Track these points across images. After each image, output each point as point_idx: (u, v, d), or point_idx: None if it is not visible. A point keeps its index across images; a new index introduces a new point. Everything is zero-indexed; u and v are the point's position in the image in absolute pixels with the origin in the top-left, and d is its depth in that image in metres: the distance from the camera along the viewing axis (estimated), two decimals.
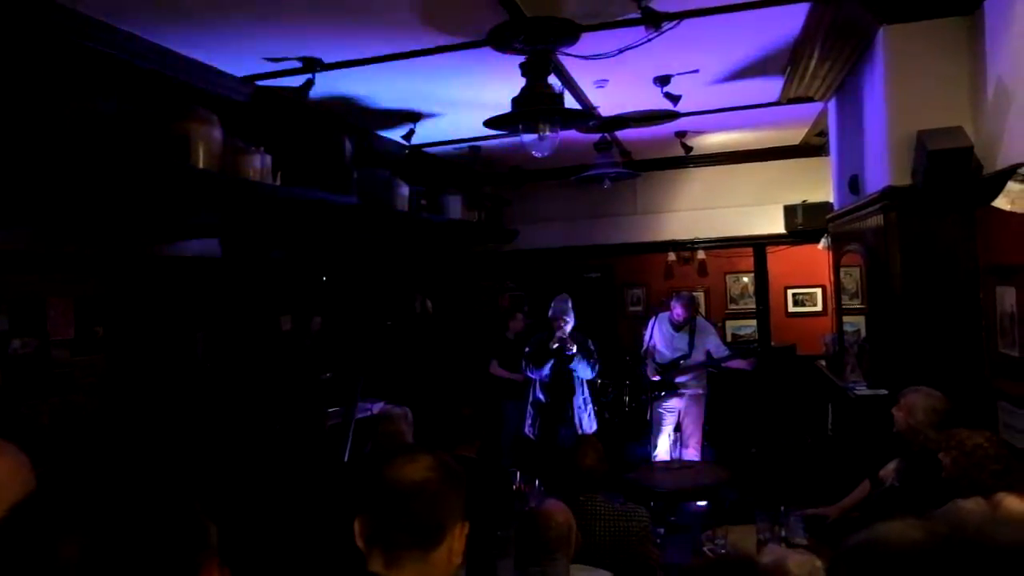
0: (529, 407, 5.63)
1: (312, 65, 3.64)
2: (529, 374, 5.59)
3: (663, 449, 5.95)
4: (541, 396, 5.53)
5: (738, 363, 6.02)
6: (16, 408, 3.17)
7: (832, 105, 4.95)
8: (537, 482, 3.55)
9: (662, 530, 4.86)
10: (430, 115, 4.83)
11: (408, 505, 1.34)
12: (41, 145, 2.58)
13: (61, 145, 2.65)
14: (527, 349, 5.61)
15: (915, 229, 3.41)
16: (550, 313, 5.52)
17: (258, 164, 3.62)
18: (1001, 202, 2.74)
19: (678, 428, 5.97)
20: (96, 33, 2.94)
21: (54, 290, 3.40)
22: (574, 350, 5.37)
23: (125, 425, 3.53)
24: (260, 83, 3.86)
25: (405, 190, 5.15)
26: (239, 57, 3.54)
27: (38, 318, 3.32)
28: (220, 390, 4.02)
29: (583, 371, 5.43)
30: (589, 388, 5.67)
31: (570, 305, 5.50)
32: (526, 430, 5.60)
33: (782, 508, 3.33)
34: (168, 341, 3.84)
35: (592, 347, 5.52)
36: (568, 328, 5.41)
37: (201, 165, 3.22)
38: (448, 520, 1.37)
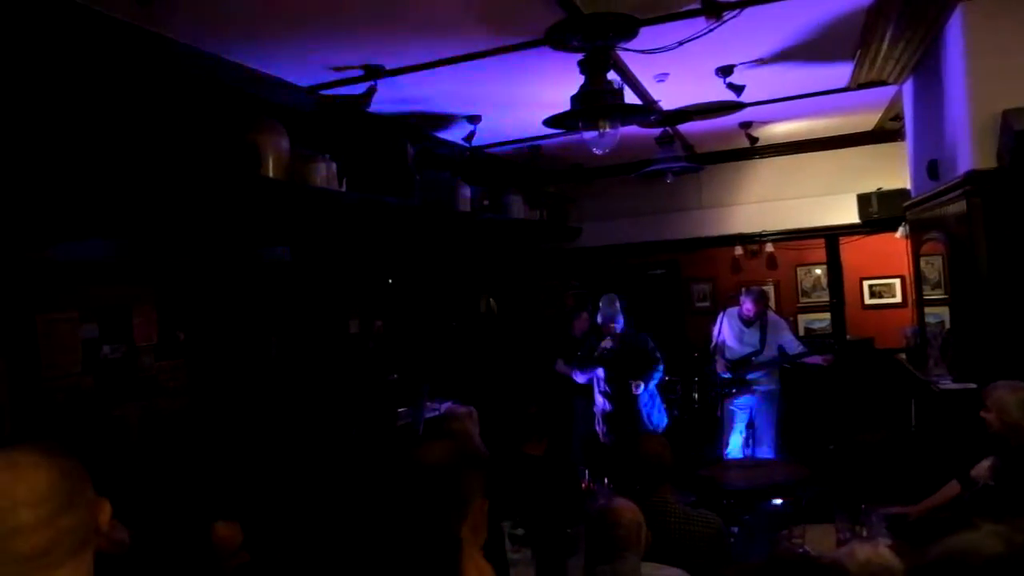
0: (595, 408, 5.60)
1: (374, 72, 3.71)
2: (575, 377, 5.58)
3: (735, 447, 5.82)
4: (602, 398, 5.49)
5: (814, 359, 5.83)
6: (108, 411, 3.36)
7: (907, 88, 4.74)
8: (606, 480, 3.53)
9: (736, 529, 4.77)
10: (490, 116, 4.86)
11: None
12: (123, 161, 2.72)
13: (141, 160, 2.79)
14: (579, 353, 5.60)
15: (1002, 214, 3.24)
16: (599, 319, 5.48)
17: (324, 171, 3.72)
18: None
19: (751, 425, 5.83)
20: (171, 52, 3.08)
21: (138, 298, 3.58)
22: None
23: (206, 427, 3.68)
24: (324, 92, 3.97)
25: (467, 191, 5.20)
26: (303, 67, 3.64)
27: (124, 325, 3.50)
28: (293, 392, 4.15)
29: (644, 383, 5.38)
30: (656, 385, 5.60)
31: (619, 307, 5.44)
32: (597, 428, 5.58)
33: (863, 506, 3.21)
34: (244, 345, 3.99)
35: (653, 349, 5.45)
36: (618, 328, 5.36)
37: (271, 174, 3.34)
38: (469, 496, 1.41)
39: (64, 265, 3.27)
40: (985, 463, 3.13)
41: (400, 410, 4.80)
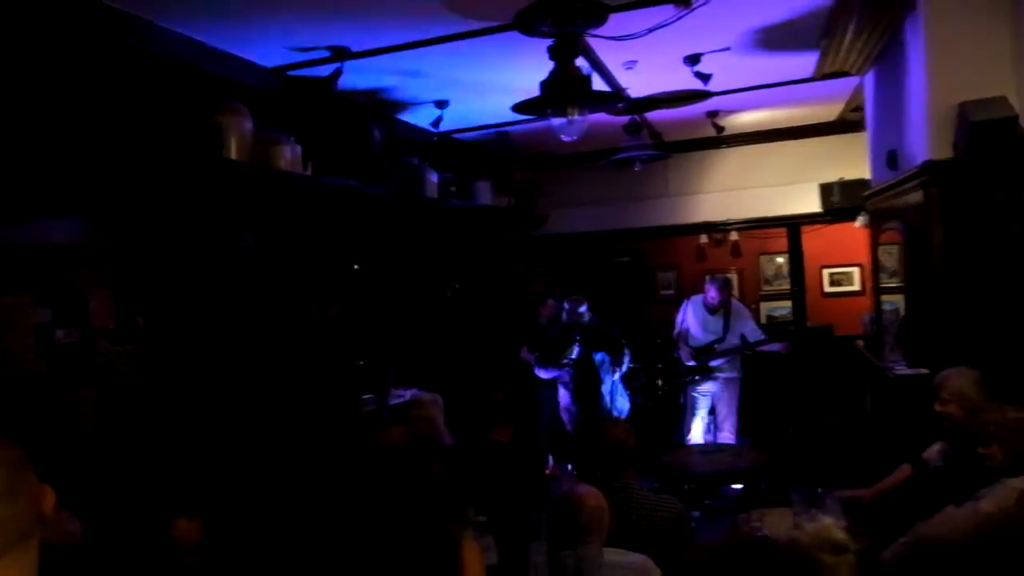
0: (560, 398, 5.63)
1: (340, 54, 3.65)
2: (539, 373, 5.60)
3: (697, 433, 5.91)
4: (566, 392, 5.53)
5: (773, 346, 5.95)
6: (62, 397, 3.27)
7: (869, 79, 4.82)
8: (570, 467, 3.56)
9: (697, 513, 4.85)
10: (458, 101, 4.82)
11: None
12: (78, 139, 2.64)
13: (98, 139, 2.71)
14: (542, 347, 5.62)
15: (957, 204, 3.31)
16: (564, 318, 5.50)
17: (288, 154, 3.65)
18: None
19: (712, 412, 5.92)
20: (131, 28, 2.99)
21: (94, 281, 3.49)
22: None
23: (164, 414, 3.61)
24: (289, 73, 3.89)
25: (434, 177, 5.15)
26: (268, 48, 3.57)
27: (80, 309, 3.41)
28: (254, 379, 4.10)
29: (610, 374, 5.43)
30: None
31: (585, 310, 5.49)
32: (562, 416, 5.61)
33: (819, 490, 3.29)
34: (204, 331, 3.92)
35: (621, 341, 5.49)
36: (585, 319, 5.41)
37: (234, 156, 3.27)
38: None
39: (16, 247, 3.17)
40: (935, 447, 3.23)
41: (365, 397, 4.77)
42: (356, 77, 3.97)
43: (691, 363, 5.89)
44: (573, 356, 5.39)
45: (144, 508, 2.36)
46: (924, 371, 3.57)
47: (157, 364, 3.68)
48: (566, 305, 5.51)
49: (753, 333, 5.90)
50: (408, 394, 4.45)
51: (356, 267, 5.29)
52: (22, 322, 3.18)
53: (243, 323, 4.15)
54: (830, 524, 1.89)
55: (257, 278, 4.29)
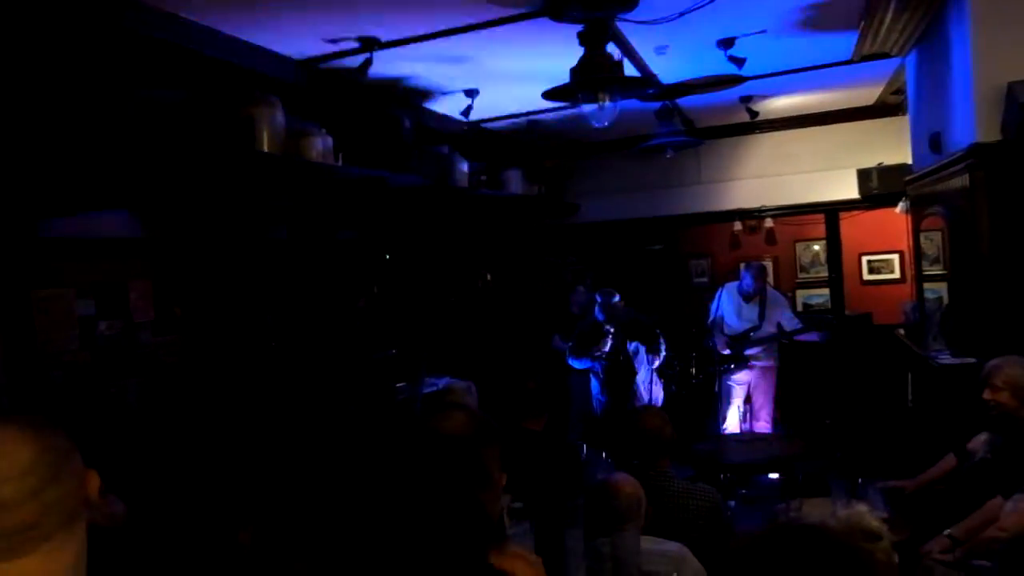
0: (592, 388, 5.62)
1: (370, 44, 3.65)
2: (572, 363, 5.58)
3: (732, 422, 5.85)
4: (598, 381, 5.51)
5: (811, 336, 5.84)
6: (106, 387, 3.35)
7: (911, 60, 4.68)
8: (604, 455, 3.54)
9: (733, 503, 4.81)
10: (488, 90, 4.79)
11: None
12: (115, 134, 2.68)
13: (134, 134, 2.75)
14: (575, 335, 5.59)
15: (1005, 188, 3.21)
16: (598, 315, 5.46)
17: (320, 146, 3.68)
18: None
19: (748, 400, 5.85)
20: (162, 23, 3.03)
21: (134, 274, 3.55)
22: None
23: (204, 403, 3.68)
24: (319, 65, 3.91)
25: (465, 166, 5.15)
26: (298, 40, 3.58)
27: (121, 301, 3.48)
28: (290, 368, 4.15)
29: (645, 364, 5.39)
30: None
31: (618, 300, 5.44)
32: (595, 405, 5.60)
33: (859, 480, 3.23)
34: (241, 321, 3.97)
35: (656, 331, 5.45)
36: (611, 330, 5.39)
37: (266, 148, 3.29)
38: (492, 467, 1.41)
39: (59, 241, 3.24)
40: (981, 437, 3.14)
41: (398, 385, 4.80)
42: (386, 67, 3.97)
43: (726, 351, 5.82)
44: (605, 349, 5.37)
45: (184, 492, 2.41)
46: (970, 360, 3.48)
47: (195, 354, 3.75)
48: (598, 298, 5.48)
49: (789, 322, 5.80)
50: (441, 383, 4.46)
51: (388, 257, 5.32)
52: (67, 315, 3.25)
53: (275, 314, 4.20)
54: (863, 511, 1.86)
55: (290, 270, 4.33)
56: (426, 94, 4.78)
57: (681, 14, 3.39)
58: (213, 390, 3.73)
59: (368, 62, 3.72)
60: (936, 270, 5.07)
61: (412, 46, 3.77)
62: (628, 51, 4.07)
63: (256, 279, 4.09)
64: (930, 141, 4.06)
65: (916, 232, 4.79)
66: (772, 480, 5.21)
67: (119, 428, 3.30)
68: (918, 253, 4.86)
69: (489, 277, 6.56)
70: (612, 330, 5.38)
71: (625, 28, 3.66)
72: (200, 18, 3.16)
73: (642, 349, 5.39)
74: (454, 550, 0.93)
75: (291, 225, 4.32)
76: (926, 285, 4.73)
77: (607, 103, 3.51)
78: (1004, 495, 2.70)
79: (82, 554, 1.06)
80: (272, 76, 3.66)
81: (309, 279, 4.45)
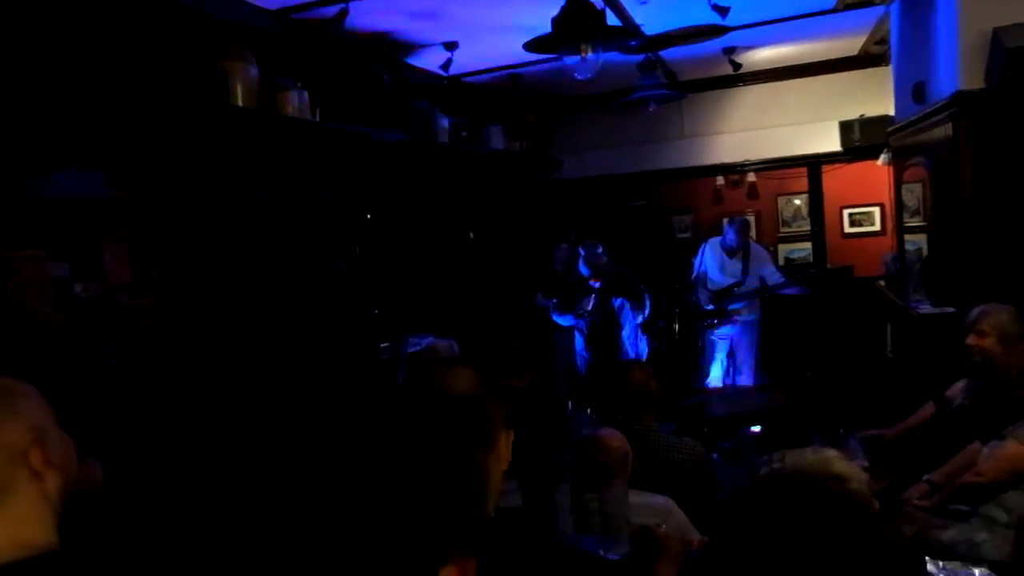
0: (576, 344, 5.62)
1: None
2: (557, 320, 5.57)
3: (715, 376, 5.91)
4: (582, 337, 5.51)
5: (794, 289, 5.87)
6: (82, 350, 3.29)
7: (895, 8, 4.62)
8: (589, 411, 3.56)
9: (716, 456, 4.87)
10: (468, 43, 4.67)
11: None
12: (85, 88, 2.58)
13: (105, 87, 2.65)
14: (559, 292, 5.57)
15: (988, 136, 3.20)
16: (583, 270, 5.40)
17: (296, 100, 3.58)
18: None
19: (731, 355, 5.90)
20: None
21: (109, 235, 3.46)
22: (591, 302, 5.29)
23: (183, 366, 3.63)
24: (294, 16, 3.77)
25: (445, 122, 5.06)
26: None
27: (96, 263, 3.40)
28: (271, 329, 4.10)
29: (630, 320, 5.39)
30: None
31: (601, 253, 5.39)
32: (578, 362, 5.62)
33: (840, 430, 3.28)
34: (219, 282, 3.91)
35: (640, 286, 5.43)
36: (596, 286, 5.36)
37: (240, 103, 3.20)
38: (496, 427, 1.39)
39: (30, 201, 3.14)
40: (959, 384, 3.18)
41: (382, 345, 4.78)
42: (362, 18, 3.84)
43: (709, 307, 5.85)
44: (589, 307, 5.36)
45: (162, 455, 2.38)
46: (949, 310, 3.51)
47: (172, 317, 3.69)
48: (582, 251, 5.44)
49: (772, 276, 5.82)
50: (424, 342, 4.45)
51: (369, 216, 5.24)
52: (39, 276, 3.17)
53: (256, 275, 4.14)
54: (832, 456, 1.89)
55: (270, 229, 4.25)
56: (404, 48, 4.65)
57: None
58: (192, 353, 3.68)
59: (344, 12, 3.60)
60: (916, 222, 5.10)
61: None
62: (611, 1, 3.97)
63: (235, 239, 4.02)
64: (913, 91, 4.03)
65: (898, 184, 4.79)
66: (755, 432, 5.29)
67: (98, 392, 3.25)
68: (899, 205, 4.88)
69: (471, 235, 6.51)
70: (597, 286, 5.37)
71: None
72: None
73: (626, 305, 5.39)
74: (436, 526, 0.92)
75: (270, 183, 4.23)
76: (906, 237, 4.76)
77: (590, 54, 3.43)
78: (982, 440, 2.75)
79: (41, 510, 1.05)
80: (244, 26, 3.53)
81: (289, 239, 4.38)
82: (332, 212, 4.89)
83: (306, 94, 3.67)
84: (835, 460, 1.86)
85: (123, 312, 3.48)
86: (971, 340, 2.87)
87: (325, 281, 4.72)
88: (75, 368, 3.21)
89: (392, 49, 4.65)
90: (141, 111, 2.79)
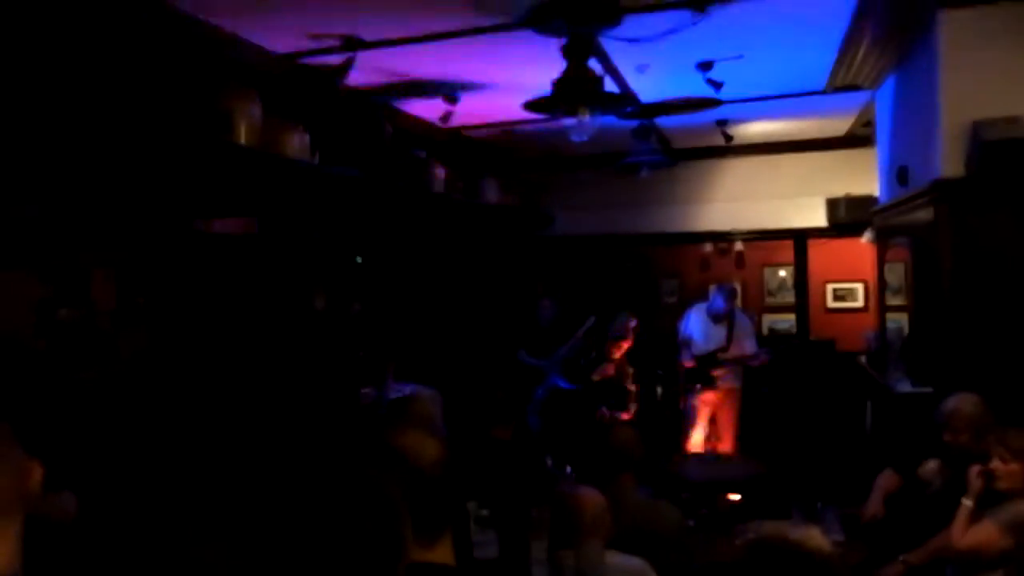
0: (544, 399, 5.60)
1: (352, 43, 3.63)
2: (559, 383, 5.57)
3: (696, 441, 5.89)
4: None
5: (760, 359, 5.88)
6: (63, 376, 3.24)
7: (881, 94, 4.81)
8: (568, 468, 3.53)
9: (692, 522, 4.82)
10: (468, 97, 4.80)
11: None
12: (84, 118, 2.61)
13: (106, 118, 2.69)
14: (563, 351, 5.58)
15: (967, 223, 3.29)
16: (611, 334, 5.49)
17: (297, 142, 3.63)
18: None
19: (712, 421, 5.90)
20: (140, 7, 2.97)
21: (96, 261, 3.45)
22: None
23: (167, 396, 3.58)
24: (300, 60, 3.87)
25: (441, 172, 5.14)
26: (280, 34, 3.55)
27: (82, 288, 3.38)
28: (254, 366, 4.07)
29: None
30: None
31: (632, 327, 5.47)
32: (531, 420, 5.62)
33: (819, 504, 3.27)
34: (205, 316, 3.89)
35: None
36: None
37: (243, 141, 3.24)
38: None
39: (17, 223, 3.14)
40: (931, 464, 3.20)
41: (364, 390, 4.74)
42: (367, 67, 3.95)
43: (692, 367, 5.87)
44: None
45: (140, 486, 2.33)
46: (927, 390, 3.56)
47: (158, 347, 3.65)
48: (617, 322, 5.52)
49: (751, 348, 5.88)
50: (407, 389, 4.43)
51: (359, 260, 5.26)
52: (21, 299, 3.15)
53: (244, 309, 4.13)
54: (814, 533, 1.89)
55: (259, 265, 4.26)
56: (407, 97, 4.77)
57: (664, 34, 3.43)
58: (176, 383, 3.63)
59: (350, 61, 3.70)
60: (899, 301, 5.19)
61: (396, 48, 3.76)
62: (610, 67, 4.12)
63: (222, 273, 4.02)
64: (897, 174, 4.16)
65: (881, 262, 4.89)
66: (732, 501, 5.24)
67: (76, 419, 3.20)
68: (882, 283, 4.97)
69: (458, 284, 6.53)
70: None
71: (608, 45, 3.70)
72: (179, 3, 3.11)
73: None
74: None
75: (263, 221, 4.25)
76: (888, 315, 4.84)
77: (587, 118, 3.53)
78: None
79: (17, 547, 1.01)
80: (252, 68, 3.61)
81: (278, 276, 4.38)
82: (324, 254, 4.91)
83: (307, 136, 3.74)
84: (817, 536, 1.86)
85: (107, 339, 3.44)
86: (947, 437, 2.93)
87: (308, 321, 4.70)
88: (52, 395, 3.16)
89: (394, 98, 4.76)
90: (142, 142, 2.82)
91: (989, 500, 2.59)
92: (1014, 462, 2.54)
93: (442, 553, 1.40)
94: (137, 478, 2.80)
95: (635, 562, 2.36)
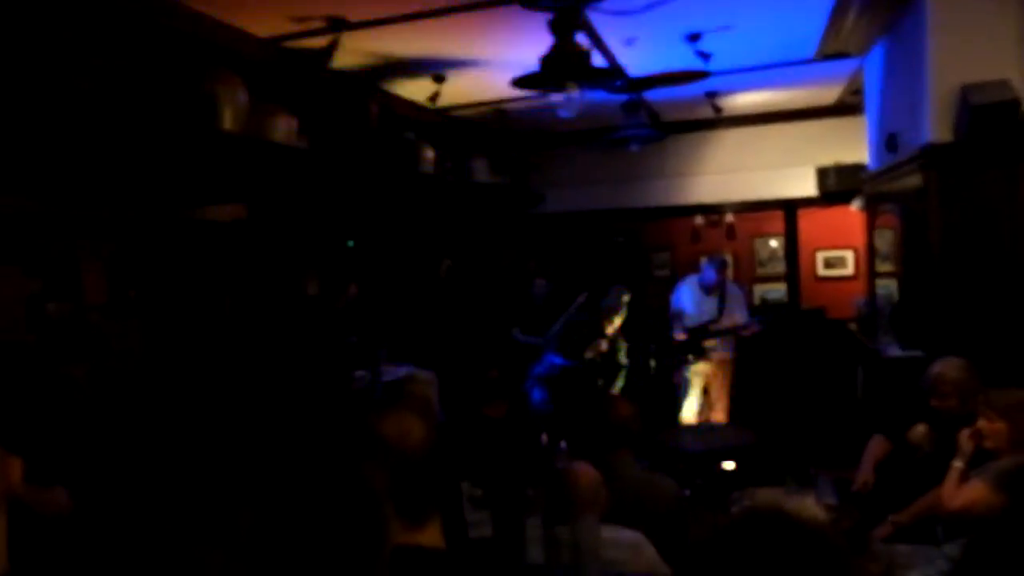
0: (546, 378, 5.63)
1: (337, 25, 3.59)
2: (555, 361, 5.59)
3: (690, 413, 5.94)
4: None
5: (752, 329, 5.91)
6: (53, 370, 3.24)
7: (870, 61, 4.79)
8: (563, 444, 3.57)
9: (688, 492, 4.88)
10: (456, 76, 4.76)
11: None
12: (69, 106, 2.59)
13: (89, 106, 2.66)
14: (556, 328, 5.59)
15: (956, 187, 3.31)
16: (604, 309, 5.48)
17: (284, 127, 3.61)
18: None
19: (705, 392, 5.95)
20: None
21: (87, 254, 3.44)
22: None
23: (158, 388, 3.59)
24: (285, 43, 3.83)
25: (430, 153, 5.11)
26: (264, 17, 3.50)
27: (73, 282, 3.37)
28: (247, 353, 4.07)
29: None
30: None
31: (625, 300, 5.46)
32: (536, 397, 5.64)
33: (812, 470, 3.31)
34: (197, 304, 3.89)
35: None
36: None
37: (227, 127, 3.22)
38: None
39: (6, 217, 3.12)
40: (920, 428, 3.24)
41: (357, 373, 4.75)
42: (353, 49, 3.91)
43: (683, 338, 5.90)
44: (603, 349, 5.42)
45: (133, 479, 2.35)
46: (917, 354, 3.59)
47: (149, 339, 3.65)
48: (609, 295, 5.51)
49: (742, 318, 5.91)
50: (402, 371, 4.44)
51: (351, 243, 5.25)
52: (11, 294, 3.14)
53: (235, 297, 4.12)
54: (808, 503, 1.92)
55: (251, 252, 4.25)
56: (393, 78, 4.72)
57: (650, 6, 3.40)
58: (166, 375, 3.64)
59: (335, 42, 3.66)
60: (888, 267, 5.22)
61: (381, 28, 3.72)
62: (597, 41, 4.08)
63: (215, 261, 4.01)
64: (886, 141, 4.17)
65: (870, 230, 4.92)
66: (727, 470, 5.31)
67: (67, 414, 3.20)
68: (871, 250, 5.00)
69: (451, 265, 6.53)
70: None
71: (595, 18, 3.67)
72: None
73: None
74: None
75: (252, 207, 4.23)
76: (878, 281, 4.87)
77: (575, 93, 3.51)
78: None
79: (2, 542, 1.02)
80: (236, 53, 3.57)
81: (269, 263, 4.37)
82: (314, 238, 4.90)
83: (294, 121, 3.71)
84: (808, 505, 1.89)
85: (98, 332, 3.44)
86: (935, 403, 2.95)
87: (300, 306, 4.70)
88: (43, 389, 3.16)
89: (381, 80, 4.72)
90: (126, 130, 2.80)
91: (978, 460, 2.63)
92: (1000, 421, 2.57)
93: (431, 535, 1.41)
94: (128, 472, 2.81)
95: (628, 535, 2.39)
